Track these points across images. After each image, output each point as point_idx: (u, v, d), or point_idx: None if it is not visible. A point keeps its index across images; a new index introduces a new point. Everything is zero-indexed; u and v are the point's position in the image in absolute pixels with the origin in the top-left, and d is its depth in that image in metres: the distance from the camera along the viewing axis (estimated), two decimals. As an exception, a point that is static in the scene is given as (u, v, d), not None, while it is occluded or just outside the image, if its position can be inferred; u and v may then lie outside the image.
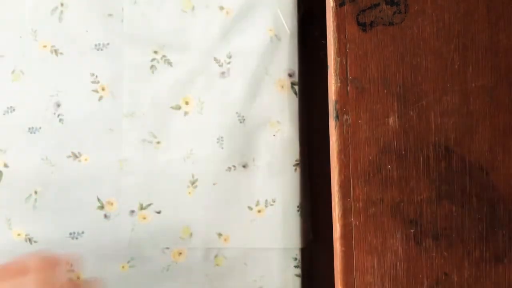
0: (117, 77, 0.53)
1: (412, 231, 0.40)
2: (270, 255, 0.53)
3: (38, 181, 0.53)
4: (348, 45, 0.40)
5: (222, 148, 0.53)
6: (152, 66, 0.53)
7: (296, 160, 0.53)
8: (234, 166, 0.53)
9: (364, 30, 0.40)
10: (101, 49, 0.53)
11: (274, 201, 0.53)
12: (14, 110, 0.53)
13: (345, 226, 0.40)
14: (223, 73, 0.53)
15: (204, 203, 0.53)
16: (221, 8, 0.53)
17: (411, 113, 0.40)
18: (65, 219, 0.53)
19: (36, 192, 0.53)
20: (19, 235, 0.53)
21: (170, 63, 0.53)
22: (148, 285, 0.54)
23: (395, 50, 0.40)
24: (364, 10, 0.40)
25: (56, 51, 0.53)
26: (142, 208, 0.53)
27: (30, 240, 0.53)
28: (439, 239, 0.40)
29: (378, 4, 0.40)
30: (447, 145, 0.40)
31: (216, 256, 0.53)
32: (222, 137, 0.53)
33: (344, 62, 0.40)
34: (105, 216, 0.53)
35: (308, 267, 0.59)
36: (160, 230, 0.54)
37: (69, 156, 0.53)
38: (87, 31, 0.53)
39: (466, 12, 0.40)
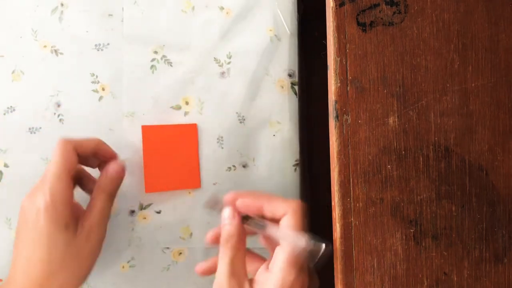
0: (117, 77, 0.53)
1: (412, 231, 0.40)
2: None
3: (38, 181, 0.53)
4: (348, 45, 0.40)
5: (222, 148, 0.53)
6: (152, 66, 0.53)
7: (296, 160, 0.53)
8: (234, 166, 0.53)
9: (364, 30, 0.40)
10: (101, 49, 0.53)
11: (274, 201, 0.53)
12: (14, 110, 0.53)
13: (345, 226, 0.40)
14: (223, 73, 0.53)
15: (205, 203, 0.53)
16: (221, 8, 0.53)
17: (411, 113, 0.40)
18: (65, 219, 0.53)
19: (36, 192, 0.53)
20: (19, 235, 0.53)
21: (170, 63, 0.53)
22: (148, 285, 0.54)
23: (394, 50, 0.40)
24: (364, 10, 0.40)
25: (56, 51, 0.53)
26: (142, 208, 0.53)
27: (30, 240, 0.53)
28: (439, 239, 0.40)
29: (378, 4, 0.40)
30: (447, 145, 0.40)
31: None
32: (222, 137, 0.53)
33: (344, 62, 0.40)
34: (105, 216, 0.53)
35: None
36: (160, 230, 0.54)
37: (69, 156, 0.53)
38: (87, 31, 0.53)
39: (465, 12, 0.40)
